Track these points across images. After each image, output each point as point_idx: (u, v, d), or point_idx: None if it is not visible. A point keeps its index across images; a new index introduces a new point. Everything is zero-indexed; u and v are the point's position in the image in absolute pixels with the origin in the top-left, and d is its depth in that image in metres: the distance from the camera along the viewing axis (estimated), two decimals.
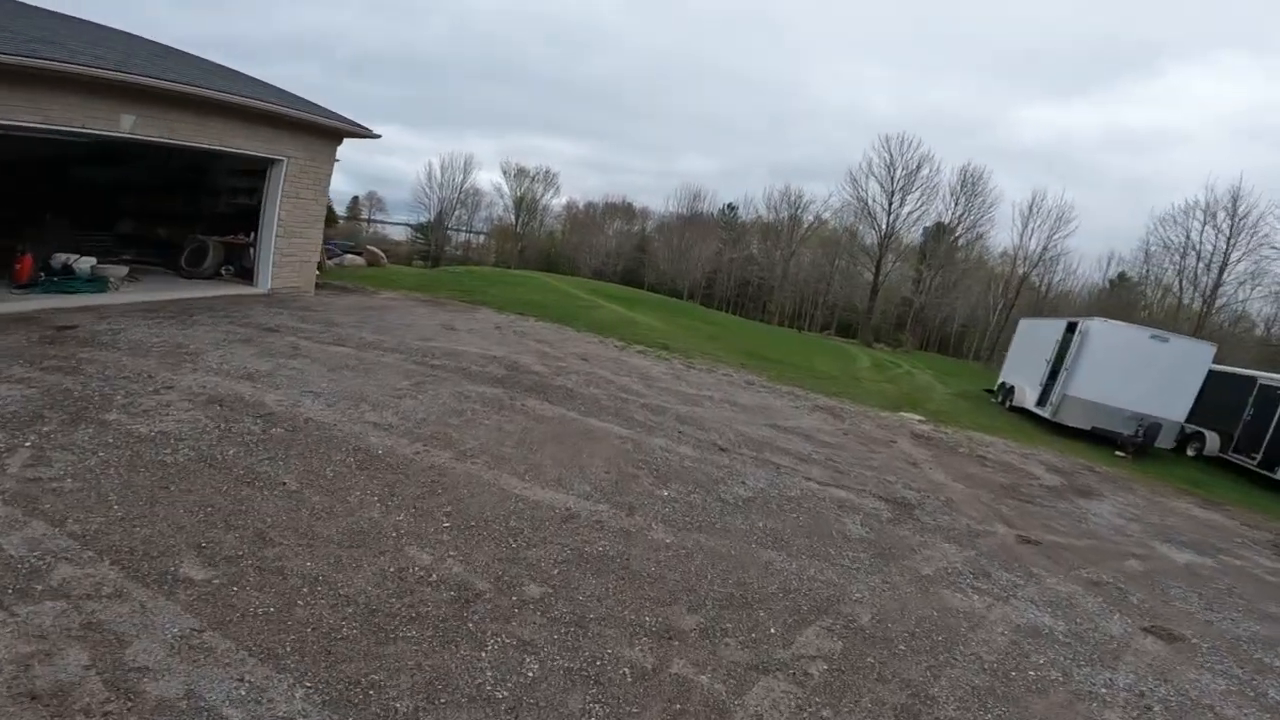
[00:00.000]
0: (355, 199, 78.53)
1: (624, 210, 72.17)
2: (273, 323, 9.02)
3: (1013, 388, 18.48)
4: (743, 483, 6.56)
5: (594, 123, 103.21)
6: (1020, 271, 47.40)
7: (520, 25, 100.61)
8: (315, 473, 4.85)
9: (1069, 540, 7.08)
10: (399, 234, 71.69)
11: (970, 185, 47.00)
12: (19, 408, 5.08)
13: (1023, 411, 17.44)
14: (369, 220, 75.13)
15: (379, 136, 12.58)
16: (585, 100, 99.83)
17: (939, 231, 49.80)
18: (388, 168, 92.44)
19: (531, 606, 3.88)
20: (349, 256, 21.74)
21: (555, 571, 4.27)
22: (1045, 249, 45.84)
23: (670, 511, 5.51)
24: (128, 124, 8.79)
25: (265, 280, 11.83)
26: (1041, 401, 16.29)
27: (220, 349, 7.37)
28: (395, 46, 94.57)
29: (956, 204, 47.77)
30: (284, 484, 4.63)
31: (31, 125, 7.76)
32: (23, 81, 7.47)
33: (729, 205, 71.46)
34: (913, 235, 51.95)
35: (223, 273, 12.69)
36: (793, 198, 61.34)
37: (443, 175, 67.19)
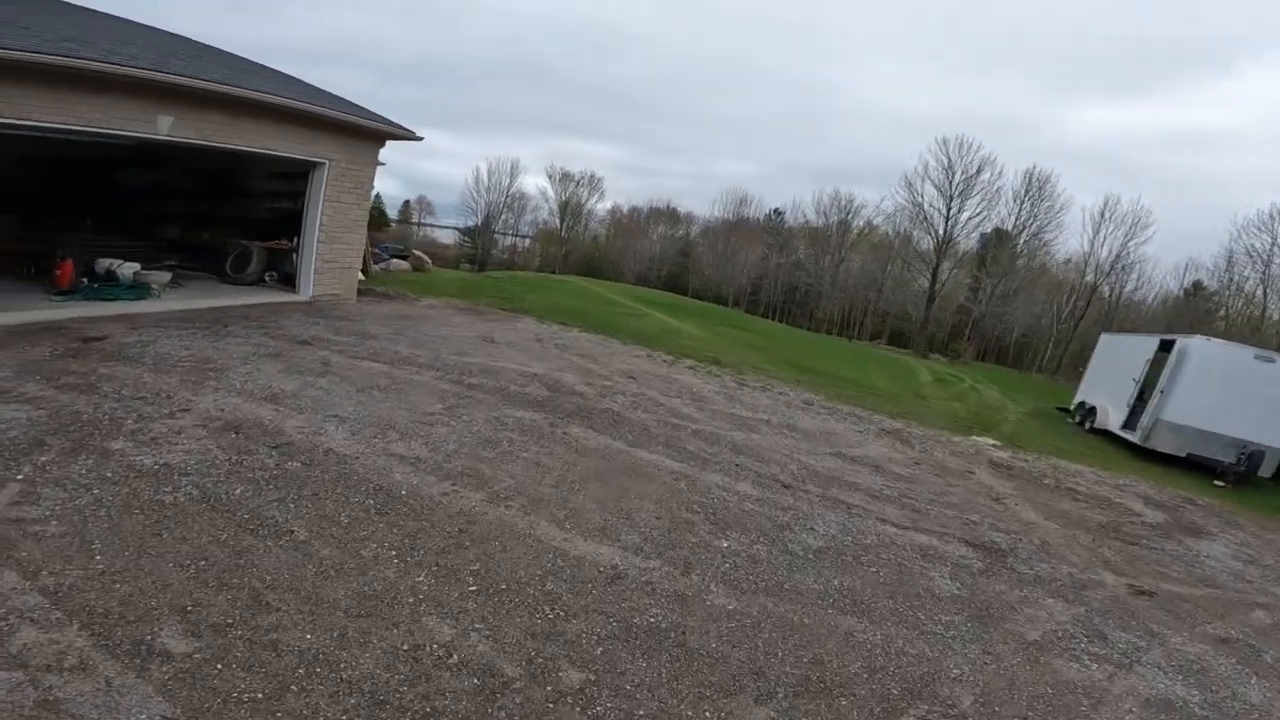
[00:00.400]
0: (406, 203, 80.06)
1: (667, 214, 71.52)
2: (306, 334, 8.60)
3: (1093, 408, 17.07)
4: (812, 528, 5.75)
5: (630, 126, 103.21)
6: (1089, 280, 44.84)
7: (556, 30, 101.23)
8: (329, 518, 4.27)
9: (1186, 589, 6.17)
10: (447, 237, 72.75)
11: (1036, 189, 44.70)
12: (21, 433, 4.65)
13: (1105, 434, 16.11)
14: (419, 224, 76.48)
15: (421, 139, 12.19)
16: (621, 104, 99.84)
17: (999, 238, 47.59)
18: (436, 172, 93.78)
19: (569, 700, 3.19)
20: (395, 261, 21.59)
21: (599, 651, 3.57)
22: (1118, 257, 43.17)
23: (731, 568, 4.76)
24: (165, 126, 8.51)
25: (307, 287, 11.52)
26: (1129, 425, 14.94)
27: (248, 364, 6.94)
28: (438, 53, 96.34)
29: (1021, 209, 45.49)
30: (291, 532, 4.05)
31: (64, 127, 7.50)
32: (53, 81, 7.19)
33: (775, 210, 70.11)
34: (969, 241, 49.83)
35: (266, 279, 12.47)
36: (842, 202, 59.70)
37: (489, 179, 67.79)
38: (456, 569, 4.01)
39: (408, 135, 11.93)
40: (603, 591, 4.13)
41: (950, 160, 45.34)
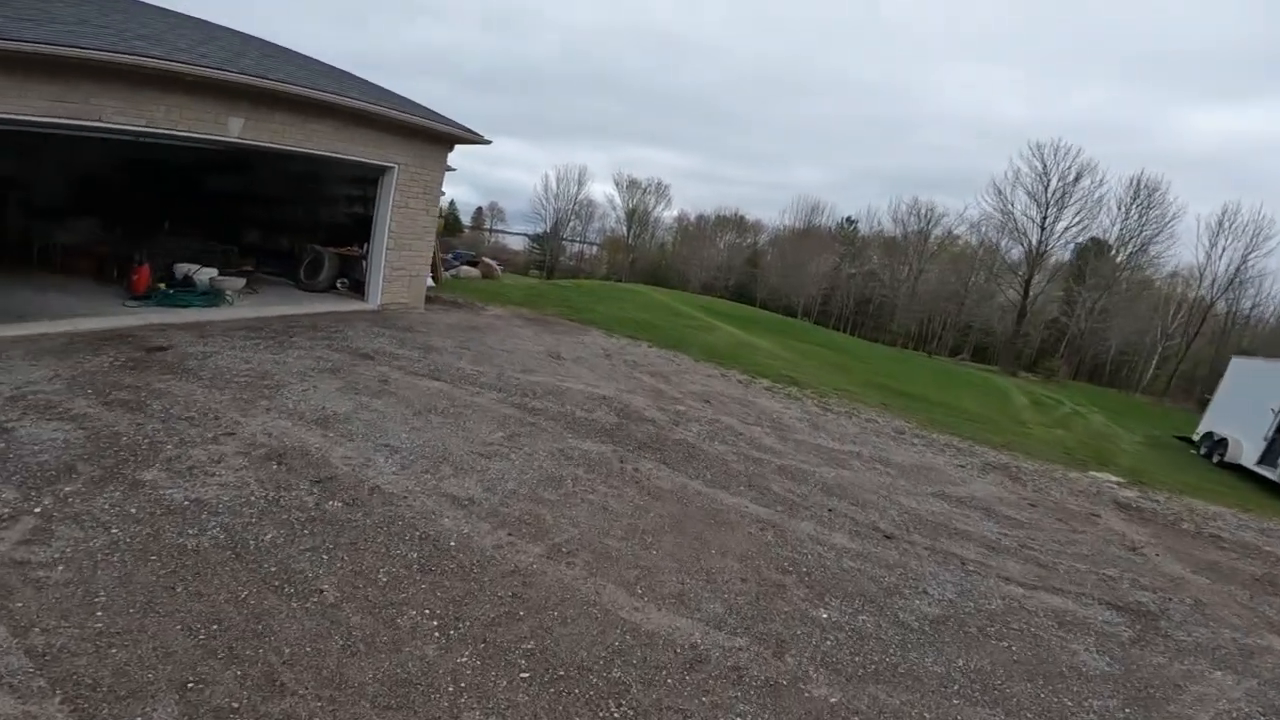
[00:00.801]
0: (479, 209, 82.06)
1: (735, 222, 70.23)
2: (369, 347, 8.25)
3: (1223, 439, 15.17)
4: (924, 591, 4.83)
5: (698, 134, 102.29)
6: (1201, 294, 40.95)
7: (625, 39, 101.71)
8: (365, 575, 3.69)
9: None
10: (517, 244, 73.90)
11: (1145, 197, 41.18)
12: (53, 456, 4.31)
13: (1237, 469, 14.24)
14: (490, 230, 78.07)
15: (489, 142, 11.82)
16: (689, 111, 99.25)
17: (1097, 248, 44.14)
18: (509, 180, 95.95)
19: None
20: (465, 268, 21.60)
21: None
22: (1237, 270, 39.23)
23: (833, 646, 3.92)
24: (236, 128, 8.36)
25: (375, 295, 11.31)
26: (1267, 459, 13.14)
27: (305, 381, 6.56)
28: (511, 63, 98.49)
29: (1127, 218, 42.00)
30: (321, 591, 3.48)
31: (132, 129, 7.39)
32: (123, 81, 7.07)
33: (848, 219, 67.80)
34: (1062, 252, 46.42)
35: (338, 285, 12.38)
36: (922, 211, 57.00)
37: (558, 186, 68.41)
38: (507, 647, 3.34)
39: (476, 139, 11.59)
40: (680, 680, 3.38)
41: (1045, 166, 42.38)
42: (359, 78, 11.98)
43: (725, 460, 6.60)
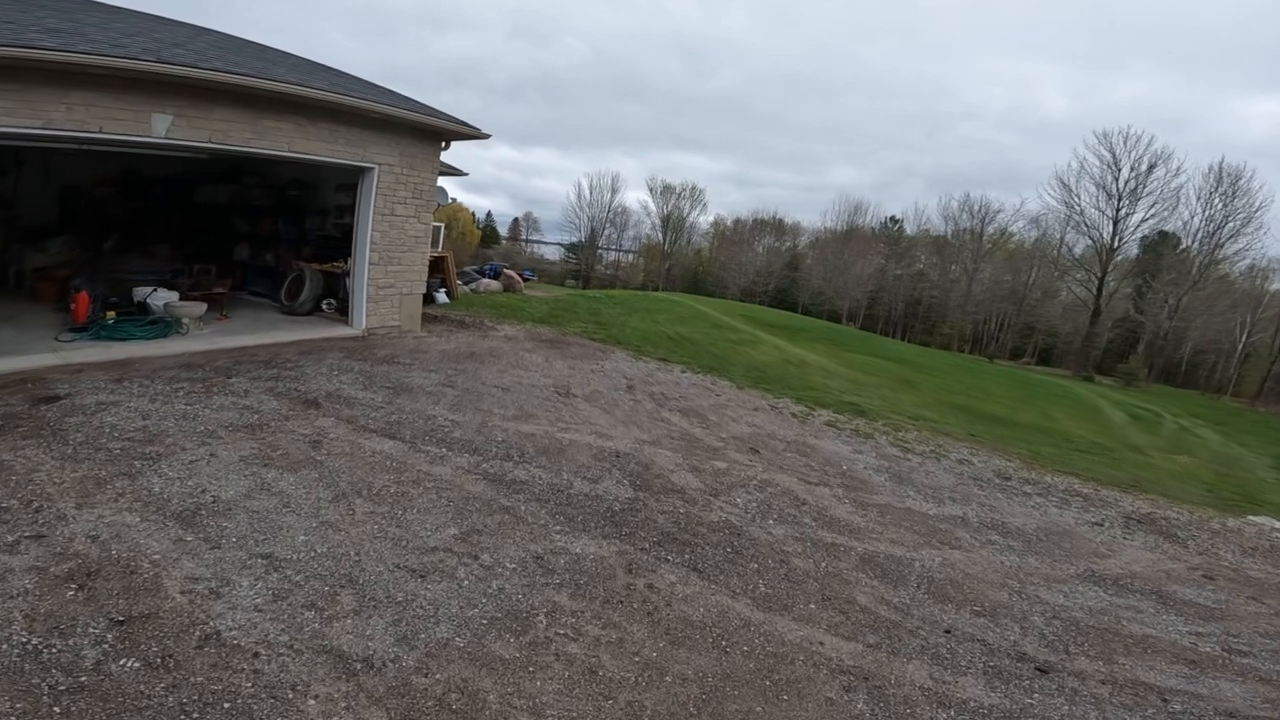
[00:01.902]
0: (515, 220, 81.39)
1: (773, 225, 67.62)
2: (322, 390, 6.53)
3: None
4: None
5: (731, 137, 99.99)
6: None
7: (653, 45, 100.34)
8: None
9: None
10: (553, 254, 72.76)
11: (1228, 186, 37.31)
12: None
13: None
14: (525, 240, 77.18)
15: (488, 136, 10.10)
16: (721, 115, 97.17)
17: (1166, 241, 40.36)
18: (544, 189, 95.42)
19: None
20: (485, 281, 20.01)
21: None
22: None
23: None
24: (162, 127, 6.80)
25: (359, 318, 9.68)
26: None
27: (204, 446, 4.86)
28: (540, 73, 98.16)
29: (1208, 209, 38.13)
30: None
31: (23, 132, 5.87)
32: (13, 78, 5.58)
33: (891, 218, 64.62)
34: (1131, 248, 42.59)
35: (324, 307, 10.83)
36: (974, 207, 53.54)
37: (591, 194, 67.08)
38: None
39: (473, 133, 9.89)
40: None
41: (1115, 156, 38.86)
42: (331, 68, 10.44)
43: (784, 553, 4.61)
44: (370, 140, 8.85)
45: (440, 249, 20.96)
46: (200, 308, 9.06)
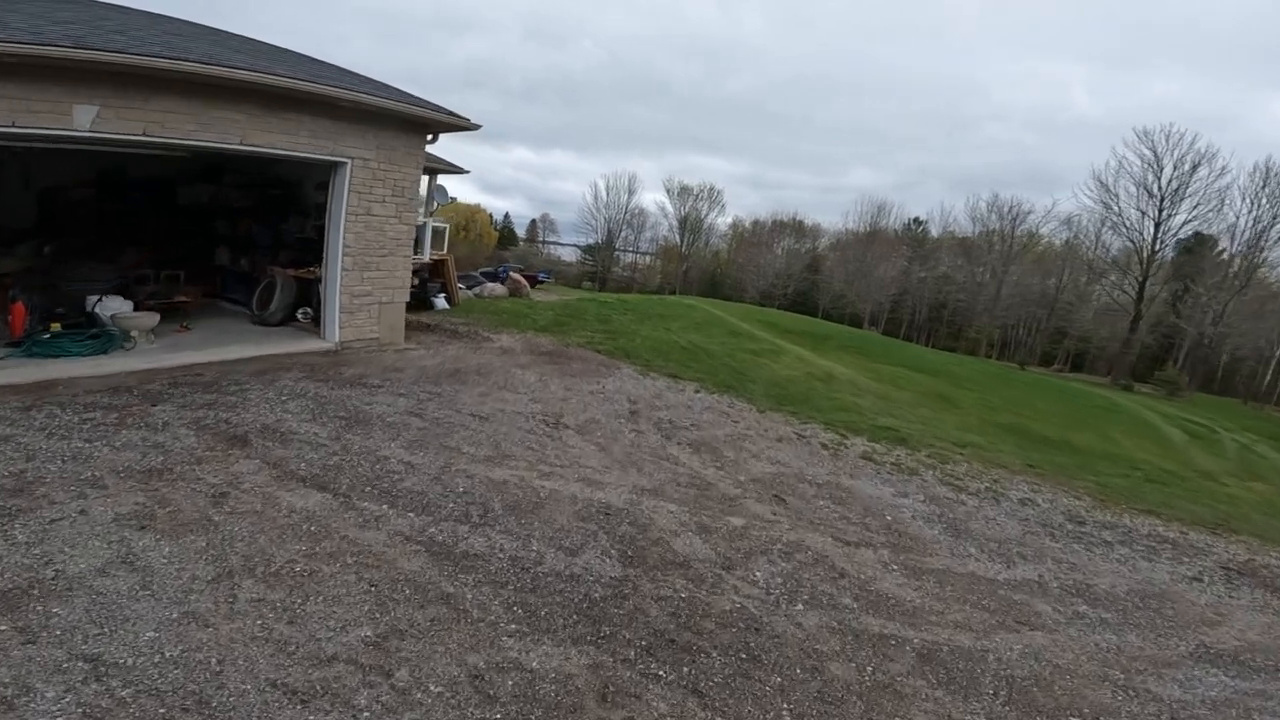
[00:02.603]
0: (533, 221, 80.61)
1: (793, 227, 66.05)
2: (260, 422, 5.48)
3: None
4: None
5: (748, 139, 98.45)
6: None
7: (669, 48, 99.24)
8: None
9: None
10: (569, 255, 71.76)
11: (1276, 187, 35.30)
12: None
13: None
14: (543, 242, 76.27)
15: (478, 126, 9.03)
16: (737, 117, 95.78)
17: (1207, 245, 38.36)
18: (561, 191, 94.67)
19: None
20: (490, 285, 19.00)
21: None
22: None
23: None
24: (85, 119, 5.82)
25: (332, 330, 8.67)
26: None
27: (81, 498, 3.80)
28: (556, 75, 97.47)
29: (1255, 208, 36.08)
30: None
31: None
32: None
33: (915, 219, 62.83)
34: (1168, 251, 40.50)
35: (300, 316, 9.84)
36: (1003, 208, 51.59)
37: (608, 195, 66.01)
38: None
39: (461, 123, 8.83)
40: None
41: (1157, 155, 36.96)
42: (298, 53, 9.45)
43: (817, 655, 3.44)
44: (342, 132, 7.83)
45: (445, 251, 20.02)
46: (151, 319, 8.09)
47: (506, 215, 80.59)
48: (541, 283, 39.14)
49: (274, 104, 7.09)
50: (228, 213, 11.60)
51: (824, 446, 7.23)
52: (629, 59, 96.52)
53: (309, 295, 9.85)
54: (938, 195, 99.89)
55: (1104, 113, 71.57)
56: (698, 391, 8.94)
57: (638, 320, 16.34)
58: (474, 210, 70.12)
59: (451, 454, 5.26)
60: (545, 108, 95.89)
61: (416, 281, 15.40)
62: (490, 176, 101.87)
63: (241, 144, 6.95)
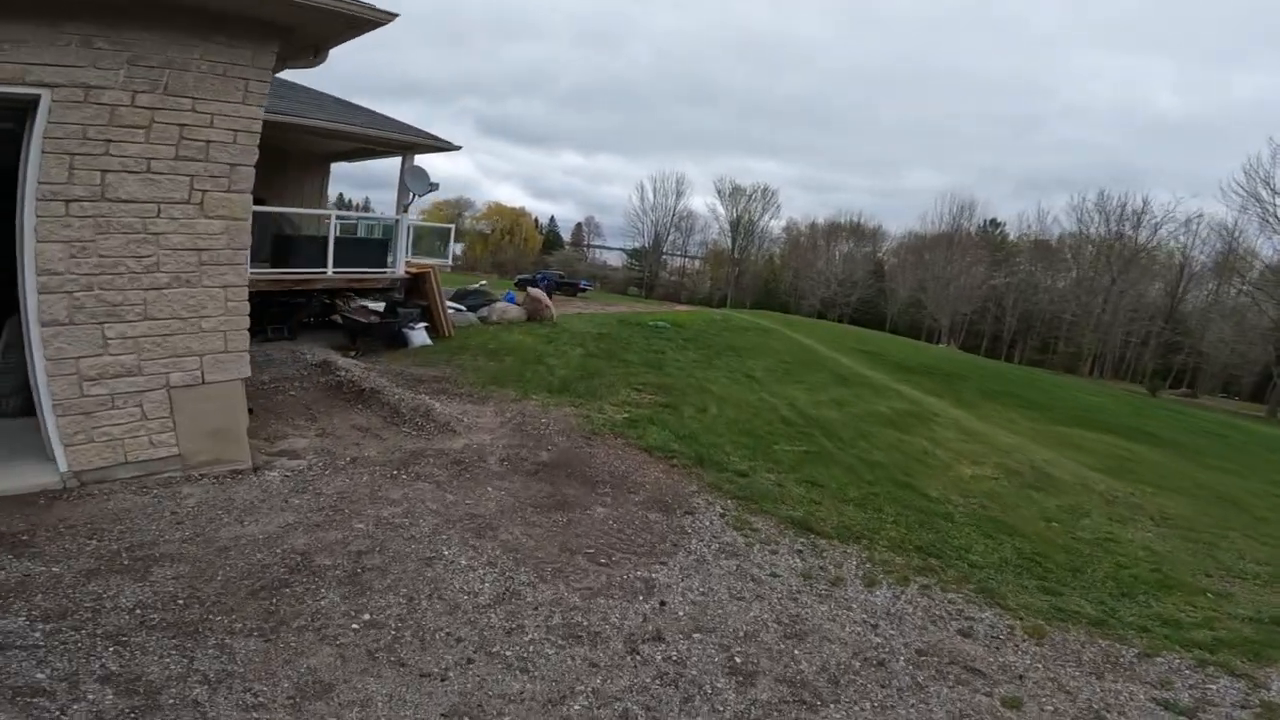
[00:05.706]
0: (578, 225, 76.11)
1: (852, 230, 59.72)
2: None
3: None
4: None
5: (802, 140, 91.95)
6: None
7: (718, 48, 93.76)
8: None
9: None
10: (615, 260, 67.03)
11: None
12: None
13: None
14: (588, 246, 71.63)
15: (393, 17, 4.18)
16: (791, 118, 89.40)
17: None
18: (610, 195, 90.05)
19: None
20: (502, 305, 14.08)
21: None
22: None
23: None
24: None
25: (55, 446, 3.95)
26: None
27: None
28: (604, 78, 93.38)
29: None
30: None
31: None
32: None
33: (991, 221, 55.87)
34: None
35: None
36: (1109, 206, 44.41)
37: (655, 197, 61.01)
38: None
39: (368, 15, 3.97)
40: None
41: None
42: None
43: None
44: (36, 36, 3.09)
45: (448, 260, 15.30)
46: None
47: (552, 218, 76.73)
48: (584, 291, 34.30)
49: None
50: None
51: None
52: (680, 61, 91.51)
53: None
54: (1006, 198, 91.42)
55: (1189, 107, 63.71)
56: (871, 585, 3.83)
57: (704, 359, 11.30)
58: (518, 214, 66.18)
59: None
60: (593, 112, 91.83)
61: (383, 307, 10.78)
62: (542, 181, 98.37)
63: None
